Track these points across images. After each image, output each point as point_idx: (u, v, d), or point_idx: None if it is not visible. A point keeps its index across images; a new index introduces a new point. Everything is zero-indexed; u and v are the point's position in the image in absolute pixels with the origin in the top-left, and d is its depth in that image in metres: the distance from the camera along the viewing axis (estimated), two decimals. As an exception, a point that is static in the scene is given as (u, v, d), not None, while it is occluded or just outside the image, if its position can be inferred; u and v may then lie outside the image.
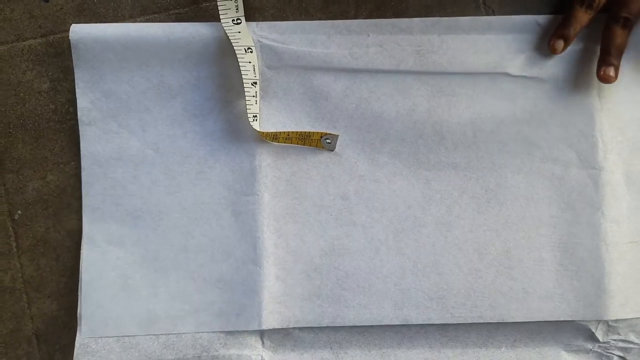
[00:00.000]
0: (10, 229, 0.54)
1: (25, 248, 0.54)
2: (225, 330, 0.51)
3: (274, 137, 0.51)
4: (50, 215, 0.54)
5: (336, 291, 0.51)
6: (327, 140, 0.51)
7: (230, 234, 0.51)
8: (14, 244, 0.54)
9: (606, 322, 0.51)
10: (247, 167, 0.52)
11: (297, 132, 0.51)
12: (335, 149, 0.52)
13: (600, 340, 0.51)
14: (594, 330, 0.51)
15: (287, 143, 0.52)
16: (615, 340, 0.51)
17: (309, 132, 0.51)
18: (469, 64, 0.52)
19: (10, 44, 0.55)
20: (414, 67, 0.52)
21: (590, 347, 0.51)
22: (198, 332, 0.51)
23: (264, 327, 0.50)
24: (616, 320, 0.51)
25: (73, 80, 0.54)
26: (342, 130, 0.52)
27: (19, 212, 0.54)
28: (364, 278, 0.51)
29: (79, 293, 0.52)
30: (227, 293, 0.51)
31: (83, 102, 0.52)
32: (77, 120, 0.53)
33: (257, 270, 0.51)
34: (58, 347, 0.54)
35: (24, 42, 0.55)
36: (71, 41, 0.52)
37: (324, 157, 0.52)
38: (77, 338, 0.51)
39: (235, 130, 0.52)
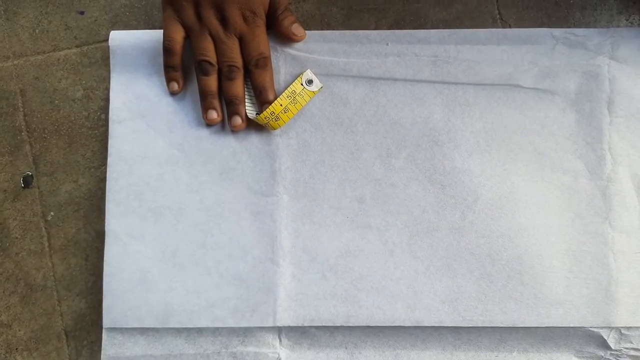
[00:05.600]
0: (43, 229, 0.56)
1: (56, 248, 0.56)
2: (240, 325, 0.52)
3: (275, 117, 0.53)
4: (81, 217, 0.56)
5: (350, 291, 0.52)
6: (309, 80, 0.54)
7: (248, 232, 0.53)
8: (47, 244, 0.56)
9: (618, 329, 0.52)
10: (267, 169, 0.54)
11: (284, 95, 0.53)
12: (353, 154, 0.54)
13: (612, 347, 0.52)
14: (606, 337, 0.51)
15: (286, 116, 0.53)
16: (627, 348, 0.52)
17: (293, 86, 0.53)
18: (483, 75, 0.54)
19: (47, 54, 0.58)
20: (430, 77, 0.54)
21: (602, 355, 0.52)
22: (218, 329, 0.52)
23: (278, 324, 0.52)
24: (629, 328, 0.52)
25: (105, 89, 0.56)
26: (360, 136, 0.54)
27: (52, 213, 0.56)
28: (378, 279, 0.52)
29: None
30: (243, 290, 0.52)
31: (116, 102, 0.54)
32: (108, 127, 0.54)
33: (274, 269, 0.52)
34: (86, 343, 0.55)
35: (60, 52, 0.58)
36: (110, 47, 0.55)
37: (341, 160, 0.54)
38: (103, 329, 0.53)
39: (257, 133, 0.54)
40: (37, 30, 0.58)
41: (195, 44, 0.52)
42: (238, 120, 0.53)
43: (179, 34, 0.52)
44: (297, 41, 0.54)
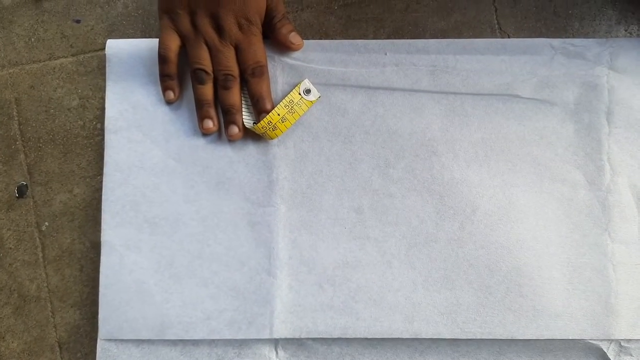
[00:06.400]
0: (38, 239, 0.56)
1: (51, 258, 0.55)
2: (236, 337, 0.51)
3: (272, 127, 0.52)
4: (76, 228, 0.56)
5: (348, 303, 0.52)
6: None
7: (245, 243, 0.52)
8: (41, 255, 0.55)
9: (618, 342, 0.51)
10: (264, 179, 0.53)
11: (281, 104, 0.52)
12: (351, 164, 0.53)
13: (612, 360, 0.51)
14: (605, 350, 0.51)
15: (284, 125, 0.52)
16: (626, 361, 0.51)
17: (290, 96, 0.53)
18: (482, 85, 0.54)
19: (43, 62, 0.57)
20: (428, 86, 0.54)
21: (602, 367, 0.52)
22: (214, 341, 0.52)
23: (275, 336, 0.51)
24: (628, 341, 0.51)
25: (101, 98, 0.56)
26: (358, 146, 0.53)
27: (46, 223, 0.56)
28: (376, 291, 0.52)
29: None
30: (239, 301, 0.52)
31: (111, 112, 0.54)
32: (103, 136, 0.54)
33: (271, 280, 0.52)
34: (80, 355, 0.54)
35: (55, 61, 0.57)
36: (106, 55, 0.54)
37: (339, 170, 0.53)
38: (98, 341, 0.52)
39: (254, 143, 0.54)
40: (32, 39, 0.58)
41: (191, 52, 0.52)
42: (235, 130, 0.52)
43: (174, 43, 0.52)
44: (295, 50, 0.54)
